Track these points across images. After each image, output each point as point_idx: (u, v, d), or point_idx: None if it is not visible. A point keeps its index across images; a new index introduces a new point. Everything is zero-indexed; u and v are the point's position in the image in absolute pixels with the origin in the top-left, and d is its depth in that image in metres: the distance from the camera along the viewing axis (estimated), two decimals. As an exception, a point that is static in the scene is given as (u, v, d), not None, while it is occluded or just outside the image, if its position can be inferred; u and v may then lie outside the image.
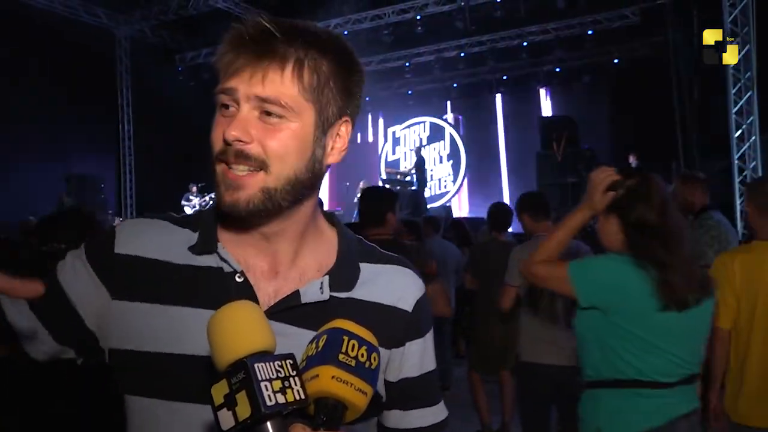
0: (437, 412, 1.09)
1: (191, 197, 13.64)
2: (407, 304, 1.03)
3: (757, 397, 2.63)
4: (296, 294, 0.94)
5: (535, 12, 13.21)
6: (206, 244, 0.97)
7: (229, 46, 0.90)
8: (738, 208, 9.27)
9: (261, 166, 0.89)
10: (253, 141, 0.88)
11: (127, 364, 0.94)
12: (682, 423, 2.05)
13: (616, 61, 14.84)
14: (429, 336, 1.08)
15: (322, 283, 0.96)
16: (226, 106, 0.90)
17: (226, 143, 0.88)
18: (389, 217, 3.47)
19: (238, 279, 0.94)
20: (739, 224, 9.10)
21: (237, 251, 0.97)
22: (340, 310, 0.95)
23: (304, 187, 0.93)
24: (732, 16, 9.41)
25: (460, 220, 9.47)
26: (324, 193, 16.19)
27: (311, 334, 0.88)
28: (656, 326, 2.03)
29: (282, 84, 0.88)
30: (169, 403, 0.91)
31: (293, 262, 0.98)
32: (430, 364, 1.07)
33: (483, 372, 5.02)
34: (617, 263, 2.10)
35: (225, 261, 0.95)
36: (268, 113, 0.89)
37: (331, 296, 0.96)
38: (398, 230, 3.95)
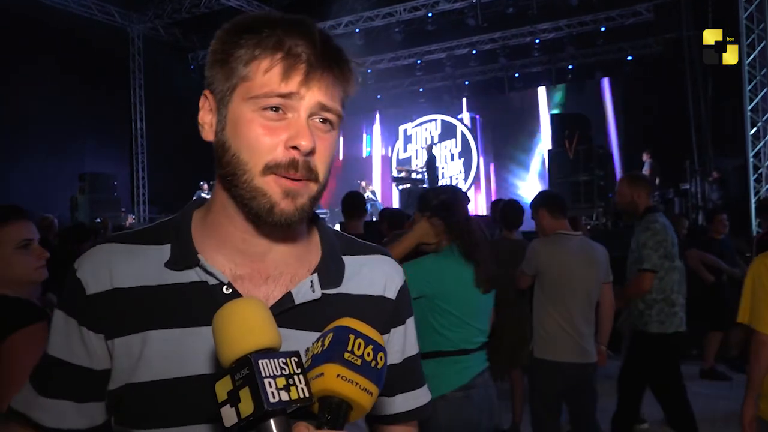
0: (420, 396, 1.09)
1: (203, 195, 13.66)
2: (391, 293, 1.04)
3: None
4: (289, 296, 0.92)
5: (548, 9, 13.16)
6: (185, 258, 0.92)
7: (276, 48, 0.86)
8: (753, 206, 9.19)
9: (315, 174, 0.88)
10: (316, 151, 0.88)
11: (126, 399, 0.90)
12: (479, 378, 2.76)
13: (629, 58, 14.74)
14: (410, 321, 1.08)
15: (311, 281, 0.94)
16: (276, 109, 0.86)
17: (293, 151, 0.85)
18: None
19: (225, 291, 0.90)
20: (754, 222, 9.01)
21: (219, 259, 0.93)
22: (333, 307, 0.95)
23: None
24: (747, 12, 9.32)
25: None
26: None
27: (309, 335, 0.87)
28: (466, 306, 2.68)
29: (338, 95, 0.90)
30: (177, 429, 0.88)
31: (283, 264, 0.95)
32: (412, 349, 1.08)
33: (493, 371, 5.00)
34: (437, 260, 2.71)
35: (210, 274, 0.91)
36: (324, 121, 0.89)
37: (322, 294, 0.95)
38: None
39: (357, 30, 14.54)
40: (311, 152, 0.86)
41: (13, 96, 11.87)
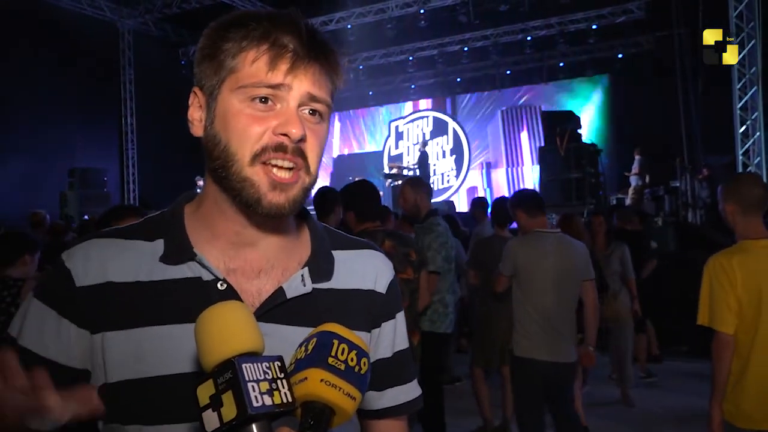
0: (409, 390, 1.09)
1: (198, 191, 13.61)
2: (382, 287, 1.05)
3: (758, 402, 2.53)
4: (281, 290, 0.92)
5: (540, 6, 13.18)
6: (180, 253, 0.91)
7: (263, 39, 0.86)
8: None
9: (306, 163, 0.89)
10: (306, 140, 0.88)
11: (120, 396, 0.88)
12: None
13: (620, 56, 14.79)
14: (400, 315, 1.08)
15: (302, 275, 0.95)
16: (264, 100, 0.86)
17: (282, 137, 0.86)
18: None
19: (220, 287, 0.90)
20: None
21: (214, 254, 0.93)
22: (324, 301, 0.95)
23: None
24: (737, 11, 9.37)
25: (452, 215, 9.42)
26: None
27: (301, 330, 0.87)
28: None
29: (326, 86, 0.91)
30: (173, 426, 0.87)
31: (274, 257, 0.96)
32: (402, 343, 1.08)
33: (485, 367, 5.03)
34: None
35: (205, 268, 0.90)
36: (313, 112, 0.90)
37: (313, 288, 0.95)
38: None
39: (349, 26, 14.50)
40: (302, 140, 0.87)
41: (1, 91, 11.76)
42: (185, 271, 0.91)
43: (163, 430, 0.87)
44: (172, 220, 0.96)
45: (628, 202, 12.12)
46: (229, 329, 0.71)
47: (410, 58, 16.12)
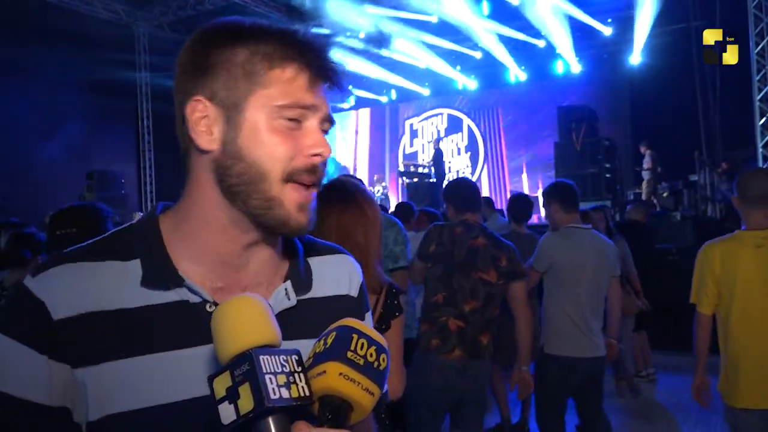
0: None
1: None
2: (354, 290, 1.06)
3: (735, 380, 2.80)
4: None
5: None
6: (165, 278, 0.86)
7: (297, 57, 0.87)
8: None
9: (320, 182, 0.92)
10: None
11: (111, 431, 0.83)
12: None
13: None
14: (367, 316, 1.09)
15: (286, 289, 0.94)
16: (296, 121, 0.87)
17: (315, 158, 0.88)
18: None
19: (209, 309, 0.86)
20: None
21: (199, 272, 0.89)
22: (308, 311, 0.95)
23: None
24: (756, 1, 9.23)
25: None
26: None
27: (290, 344, 0.85)
28: None
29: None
30: None
31: (261, 273, 0.94)
32: None
33: (503, 364, 5.00)
34: None
35: (193, 292, 0.87)
36: (325, 132, 0.92)
37: (297, 300, 0.94)
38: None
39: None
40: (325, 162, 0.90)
41: (19, 95, 11.92)
42: (171, 294, 0.86)
43: None
44: (147, 236, 0.90)
45: (643, 197, 12.01)
46: (246, 321, 0.71)
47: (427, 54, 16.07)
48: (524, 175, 16.13)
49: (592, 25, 13.87)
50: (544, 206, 3.98)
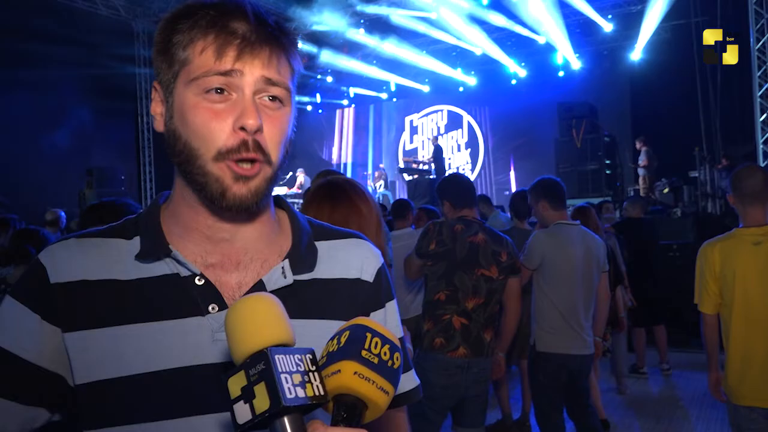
0: (405, 381, 1.04)
1: None
2: (369, 275, 1.02)
3: (739, 378, 2.79)
4: (260, 284, 0.91)
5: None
6: (155, 250, 0.90)
7: (210, 27, 0.84)
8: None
9: (267, 156, 0.87)
10: (263, 130, 0.86)
11: (97, 396, 0.86)
12: None
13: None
14: (390, 305, 1.06)
15: (283, 267, 0.93)
16: (220, 91, 0.84)
17: (242, 132, 0.84)
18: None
19: (198, 282, 0.89)
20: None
21: (190, 248, 0.91)
22: (307, 291, 0.94)
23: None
24: (756, -2, 9.22)
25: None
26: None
27: None
28: None
29: (282, 68, 0.88)
30: (147, 425, 0.85)
31: (253, 249, 0.94)
32: (395, 333, 1.05)
33: (505, 362, 5.01)
34: None
35: (182, 265, 0.89)
36: (273, 99, 0.87)
37: (294, 280, 0.93)
38: None
39: (362, 21, 14.49)
40: (258, 130, 0.84)
41: (18, 92, 11.90)
42: (163, 268, 0.89)
43: (153, 427, 0.85)
44: (148, 217, 0.95)
45: (641, 193, 12.02)
46: (260, 320, 0.71)
47: (425, 51, 16.04)
48: (525, 172, 16.13)
49: (592, 20, 13.84)
50: (531, 204, 3.96)
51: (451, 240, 3.26)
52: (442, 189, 3.57)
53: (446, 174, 14.26)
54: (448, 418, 3.44)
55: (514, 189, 14.64)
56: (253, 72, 0.84)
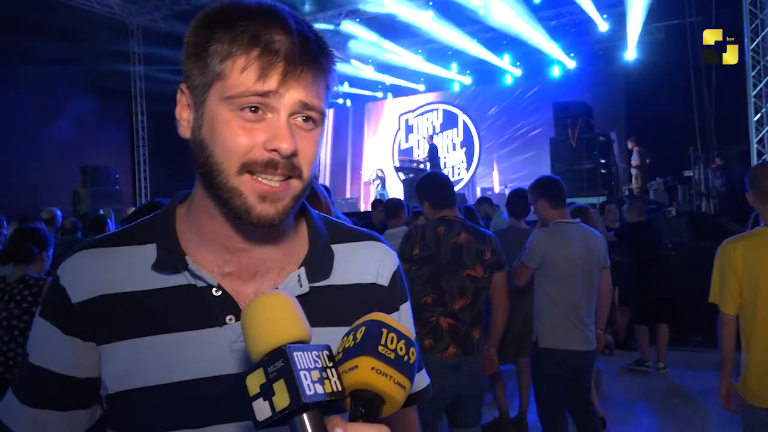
0: (416, 380, 1.03)
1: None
2: (384, 279, 1.01)
3: (761, 379, 2.70)
4: None
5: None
6: (172, 262, 0.89)
7: (252, 44, 0.81)
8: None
9: (298, 171, 0.85)
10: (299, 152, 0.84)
11: (117, 407, 0.89)
12: None
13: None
14: (404, 307, 1.05)
15: (299, 276, 0.92)
16: (254, 109, 0.81)
17: (273, 153, 0.81)
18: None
19: (215, 293, 0.88)
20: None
21: (207, 258, 0.91)
22: (323, 299, 0.93)
23: None
24: (751, -2, 9.25)
25: (470, 207, 9.47)
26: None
27: None
28: None
29: (319, 92, 0.85)
30: None
31: (270, 258, 0.93)
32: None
33: (501, 359, 5.01)
34: None
35: (198, 277, 0.88)
36: (307, 119, 0.85)
37: (310, 288, 0.92)
38: None
39: (358, 20, 14.47)
40: (293, 155, 0.82)
41: (13, 90, 11.85)
42: (179, 278, 0.89)
43: None
44: (163, 222, 0.93)
45: (635, 193, 12.06)
46: (277, 318, 0.71)
47: (420, 51, 16.04)
48: (520, 171, 16.15)
49: (588, 19, 13.86)
50: (531, 203, 3.96)
51: (435, 243, 3.24)
52: (421, 190, 3.53)
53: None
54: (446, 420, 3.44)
55: (507, 188, 14.66)
56: (292, 95, 0.82)
